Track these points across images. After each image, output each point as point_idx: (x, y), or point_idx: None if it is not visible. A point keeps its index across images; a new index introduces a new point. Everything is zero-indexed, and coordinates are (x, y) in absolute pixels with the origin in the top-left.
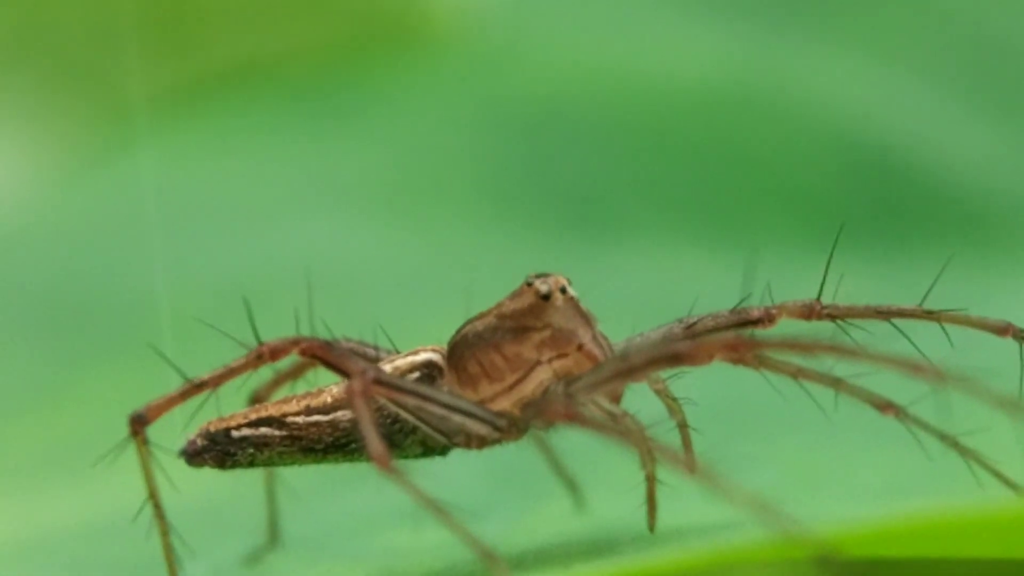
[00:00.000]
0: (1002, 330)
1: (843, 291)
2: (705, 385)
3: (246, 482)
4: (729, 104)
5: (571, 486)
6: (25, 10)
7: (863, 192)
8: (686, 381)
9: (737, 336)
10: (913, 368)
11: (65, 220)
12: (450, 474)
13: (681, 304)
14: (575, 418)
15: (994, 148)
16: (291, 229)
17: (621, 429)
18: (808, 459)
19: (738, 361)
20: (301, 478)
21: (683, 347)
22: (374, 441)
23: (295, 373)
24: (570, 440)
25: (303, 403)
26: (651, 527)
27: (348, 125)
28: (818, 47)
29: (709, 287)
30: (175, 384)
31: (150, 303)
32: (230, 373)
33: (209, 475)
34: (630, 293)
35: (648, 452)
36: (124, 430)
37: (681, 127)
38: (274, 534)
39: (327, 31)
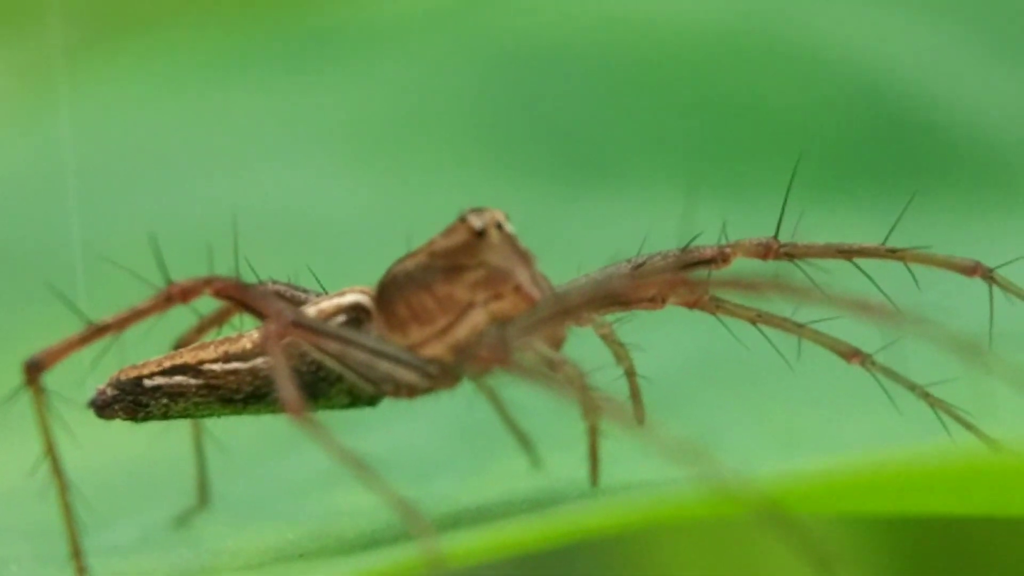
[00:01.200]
0: (970, 270)
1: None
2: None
3: (175, 442)
4: (743, 53)
5: (524, 443)
6: None
7: (879, 143)
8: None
9: (678, 274)
10: (863, 307)
11: None
12: (402, 432)
13: None
14: (508, 365)
15: (1019, 97)
16: (256, 174)
17: (558, 377)
18: (771, 411)
19: (693, 305)
20: (234, 439)
21: (622, 285)
22: (288, 388)
23: (219, 319)
24: (527, 394)
25: (220, 349)
26: (593, 481)
27: (326, 63)
28: None
29: (706, 239)
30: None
31: (67, 249)
32: (136, 315)
33: (140, 437)
34: (623, 242)
35: (589, 403)
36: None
37: (692, 76)
38: (203, 495)
39: None
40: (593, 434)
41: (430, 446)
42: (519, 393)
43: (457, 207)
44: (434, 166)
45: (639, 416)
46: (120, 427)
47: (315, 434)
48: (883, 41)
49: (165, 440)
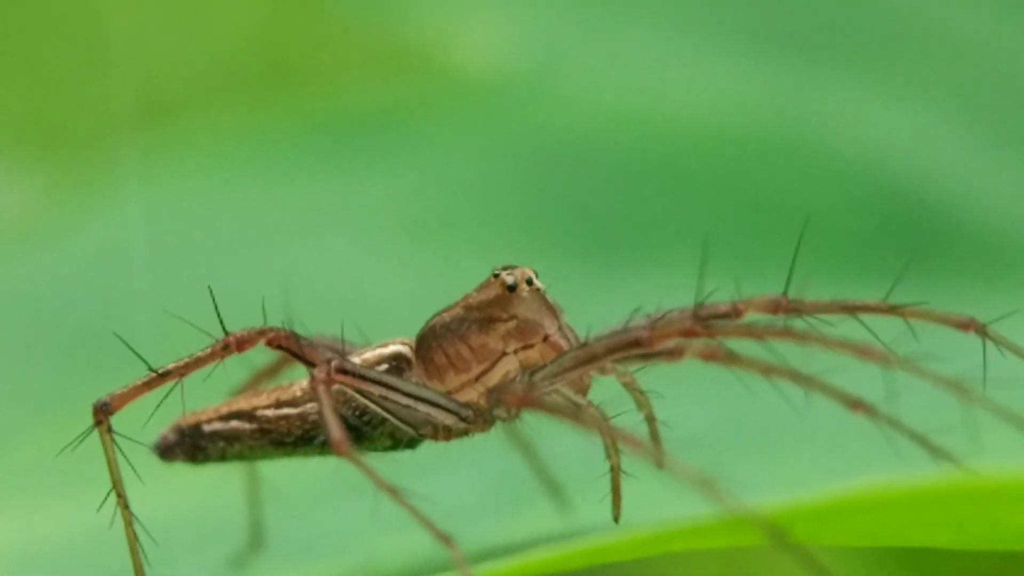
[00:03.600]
0: (965, 325)
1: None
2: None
3: (233, 490)
4: (753, 144)
5: (553, 488)
6: None
7: (888, 233)
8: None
9: (693, 320)
10: (862, 351)
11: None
12: (442, 484)
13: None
14: (533, 402)
15: None
16: (307, 257)
17: (582, 414)
18: (780, 458)
19: (709, 358)
20: (290, 486)
21: (641, 332)
22: (334, 427)
23: (272, 371)
24: (555, 446)
25: (273, 396)
26: (616, 518)
27: (375, 161)
28: (843, 86)
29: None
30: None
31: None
32: (196, 363)
33: (195, 484)
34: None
35: (612, 442)
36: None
37: (704, 166)
38: (257, 536)
39: (356, 68)
40: (615, 472)
41: (471, 494)
42: (548, 442)
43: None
44: (477, 248)
45: (659, 459)
46: (182, 477)
47: (358, 465)
48: (896, 137)
49: (225, 487)
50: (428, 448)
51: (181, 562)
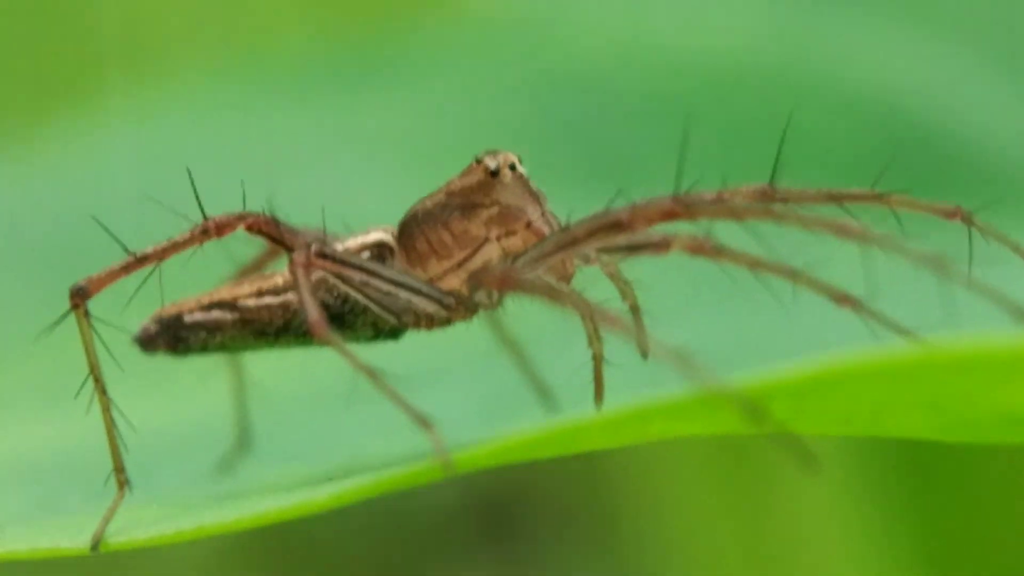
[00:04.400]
0: (951, 213)
1: None
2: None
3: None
4: (769, 78)
5: (542, 391)
6: None
7: (904, 167)
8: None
9: (672, 199)
10: (841, 229)
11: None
12: (436, 398)
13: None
14: (512, 283)
15: None
16: (308, 180)
17: (564, 292)
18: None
19: (696, 251)
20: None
21: (621, 213)
22: (312, 308)
23: (258, 265)
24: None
25: (255, 286)
26: (598, 405)
27: (376, 95)
28: (861, 21)
29: None
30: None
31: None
32: (175, 247)
33: (183, 395)
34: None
35: (594, 328)
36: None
37: (718, 100)
38: (244, 438)
39: (355, 4)
40: (598, 361)
41: (465, 406)
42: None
43: None
44: None
45: (643, 346)
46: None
47: (335, 347)
48: (911, 69)
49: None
50: (423, 362)
51: (165, 468)
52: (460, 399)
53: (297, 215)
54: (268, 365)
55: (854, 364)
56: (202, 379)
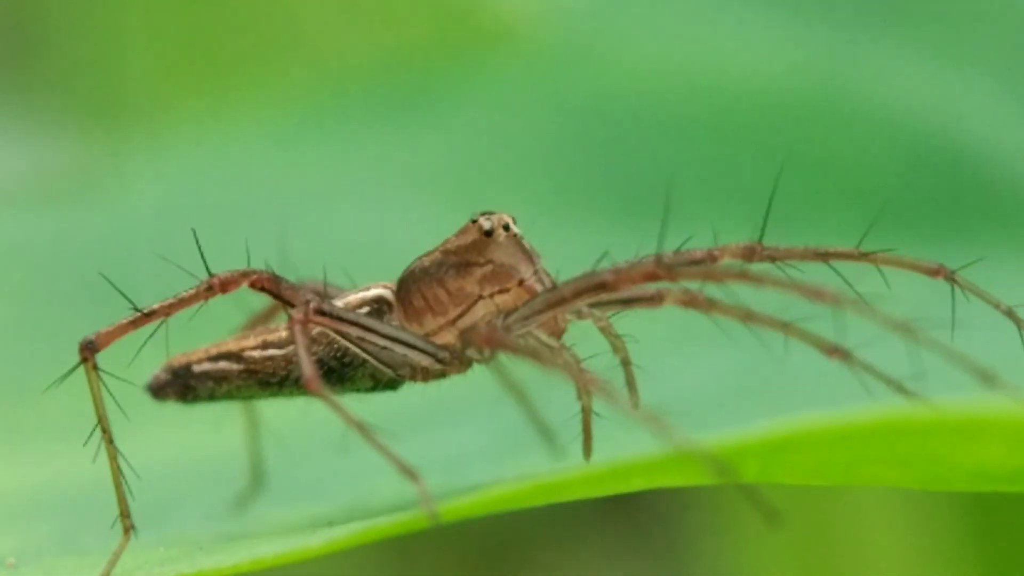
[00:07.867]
0: (934, 271)
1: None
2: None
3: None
4: (802, 104)
5: (546, 433)
6: None
7: (933, 195)
8: None
9: (655, 264)
10: (814, 293)
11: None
12: (445, 436)
13: (743, 292)
14: (498, 342)
15: None
16: (343, 215)
17: (549, 354)
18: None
19: (688, 304)
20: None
21: (606, 275)
22: (307, 365)
23: (266, 317)
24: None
25: (260, 338)
26: (587, 457)
27: (423, 122)
28: (893, 49)
29: None
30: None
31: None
32: (181, 303)
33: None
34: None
35: (583, 384)
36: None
37: (753, 126)
38: (257, 478)
39: (406, 32)
40: (586, 414)
41: (472, 444)
42: (545, 391)
43: (538, 248)
44: (511, 205)
45: (635, 401)
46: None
47: (328, 403)
48: (940, 93)
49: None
50: (433, 403)
51: (172, 510)
52: (476, 434)
53: (351, 245)
54: (277, 407)
55: (823, 426)
56: (214, 421)
